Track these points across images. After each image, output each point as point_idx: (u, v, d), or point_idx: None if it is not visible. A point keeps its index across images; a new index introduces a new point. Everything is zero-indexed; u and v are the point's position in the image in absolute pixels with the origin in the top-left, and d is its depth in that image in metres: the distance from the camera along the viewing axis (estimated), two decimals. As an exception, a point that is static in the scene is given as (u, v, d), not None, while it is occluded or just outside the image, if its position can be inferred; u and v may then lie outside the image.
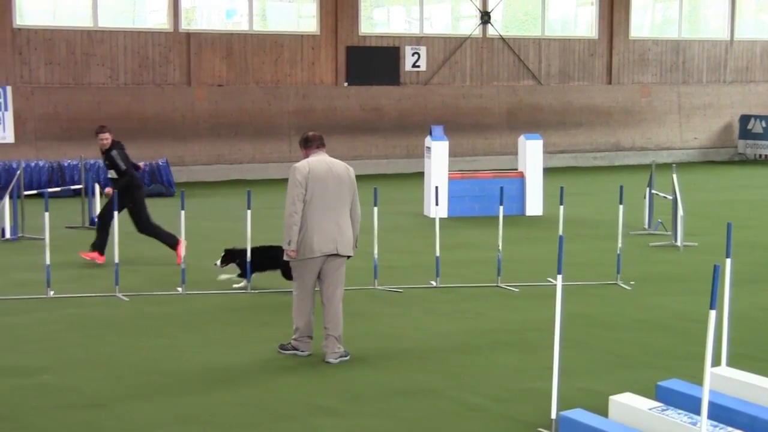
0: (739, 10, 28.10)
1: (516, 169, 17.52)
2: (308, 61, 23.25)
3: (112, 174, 12.35)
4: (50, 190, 15.56)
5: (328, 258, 8.14)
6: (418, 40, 24.29)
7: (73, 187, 17.49)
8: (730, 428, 6.08)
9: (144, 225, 12.35)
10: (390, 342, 8.82)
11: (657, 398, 6.85)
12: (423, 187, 16.83)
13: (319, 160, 8.23)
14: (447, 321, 9.65)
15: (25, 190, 15.27)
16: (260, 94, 22.73)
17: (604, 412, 6.56)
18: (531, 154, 16.86)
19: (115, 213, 11.15)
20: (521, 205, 16.67)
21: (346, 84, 23.51)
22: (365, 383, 7.64)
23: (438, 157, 16.36)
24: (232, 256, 10.97)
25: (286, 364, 8.10)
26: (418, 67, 24.25)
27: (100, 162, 16.15)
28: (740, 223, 14.24)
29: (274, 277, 10.79)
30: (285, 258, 8.24)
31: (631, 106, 26.60)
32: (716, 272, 5.57)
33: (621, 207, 11.40)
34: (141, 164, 13.24)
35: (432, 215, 15.37)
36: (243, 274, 10.89)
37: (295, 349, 8.30)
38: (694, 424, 6.00)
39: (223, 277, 11.01)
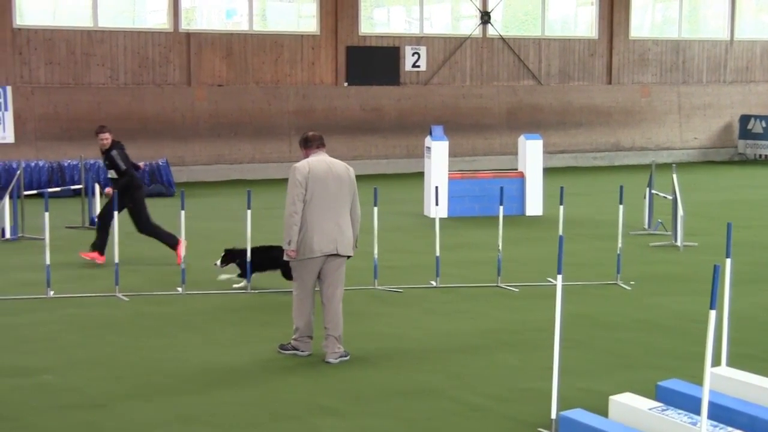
0: (739, 10, 28.09)
1: (516, 169, 17.52)
2: (308, 61, 23.26)
3: (112, 174, 12.35)
4: (50, 190, 15.56)
5: (328, 258, 8.14)
6: (418, 40, 24.29)
7: (73, 187, 17.49)
8: (730, 428, 6.08)
9: (144, 225, 12.35)
10: (390, 342, 8.82)
11: (657, 398, 6.85)
12: (423, 187, 16.83)
13: (319, 160, 8.23)
14: (447, 321, 9.65)
15: (25, 190, 15.27)
16: (260, 94, 22.74)
17: (604, 412, 6.56)
18: (531, 154, 16.86)
19: (116, 213, 11.16)
20: (521, 205, 16.68)
21: (346, 84, 23.51)
22: (365, 383, 7.64)
23: (438, 157, 16.36)
24: (232, 256, 10.97)
25: (287, 364, 8.10)
26: (418, 67, 24.25)
27: (100, 162, 16.17)
28: (740, 223, 14.25)
29: (274, 277, 10.79)
30: (285, 258, 8.24)
31: (631, 106, 26.60)
32: (716, 272, 5.57)
33: (621, 207, 11.40)
34: (141, 164, 13.25)
35: (432, 215, 15.37)
36: (243, 274, 10.89)
37: (295, 349, 8.30)
38: (694, 424, 6.00)
39: (223, 277, 11.01)
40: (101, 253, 12.20)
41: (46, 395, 7.31)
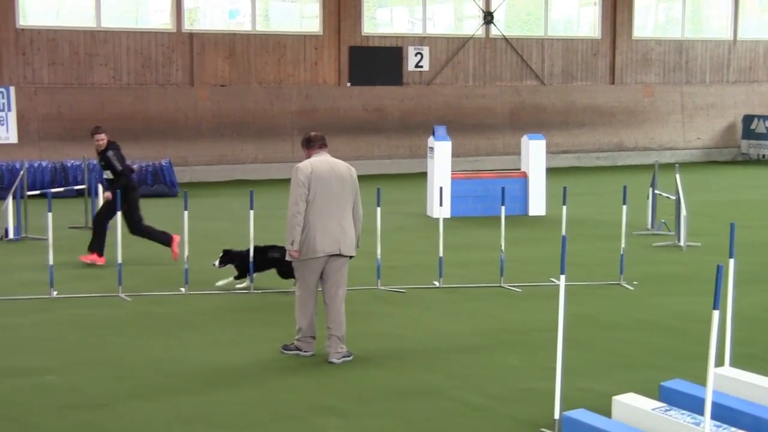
0: (743, 10, 28.07)
1: (519, 169, 17.51)
2: (311, 62, 23.26)
3: (107, 175, 12.34)
4: (53, 190, 15.54)
5: (330, 258, 8.13)
6: (421, 40, 24.28)
7: (76, 187, 17.49)
8: (733, 428, 6.07)
9: (136, 226, 12.31)
10: (393, 342, 8.82)
11: (660, 398, 6.84)
12: (426, 188, 16.82)
13: (322, 160, 8.22)
14: (450, 321, 9.64)
15: (29, 190, 15.29)
16: (263, 94, 22.74)
17: (607, 412, 6.55)
18: (534, 154, 16.85)
19: (118, 212, 11.17)
20: (524, 206, 16.66)
21: (349, 84, 23.51)
22: (368, 383, 7.63)
23: (441, 157, 16.34)
24: (230, 257, 10.94)
25: (289, 365, 8.09)
26: (421, 67, 24.25)
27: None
28: (743, 223, 14.21)
29: (275, 277, 10.78)
30: (288, 258, 8.24)
31: (634, 106, 26.58)
32: (719, 272, 5.56)
33: (624, 207, 11.39)
34: (135, 167, 13.23)
35: (435, 215, 15.36)
36: (240, 276, 10.89)
37: (298, 349, 8.30)
38: (698, 424, 5.99)
39: (221, 283, 10.95)
40: (100, 254, 12.20)
41: (47, 395, 7.32)
